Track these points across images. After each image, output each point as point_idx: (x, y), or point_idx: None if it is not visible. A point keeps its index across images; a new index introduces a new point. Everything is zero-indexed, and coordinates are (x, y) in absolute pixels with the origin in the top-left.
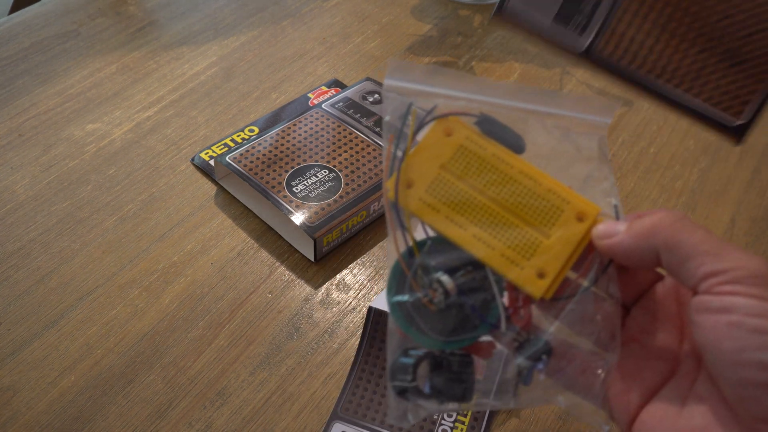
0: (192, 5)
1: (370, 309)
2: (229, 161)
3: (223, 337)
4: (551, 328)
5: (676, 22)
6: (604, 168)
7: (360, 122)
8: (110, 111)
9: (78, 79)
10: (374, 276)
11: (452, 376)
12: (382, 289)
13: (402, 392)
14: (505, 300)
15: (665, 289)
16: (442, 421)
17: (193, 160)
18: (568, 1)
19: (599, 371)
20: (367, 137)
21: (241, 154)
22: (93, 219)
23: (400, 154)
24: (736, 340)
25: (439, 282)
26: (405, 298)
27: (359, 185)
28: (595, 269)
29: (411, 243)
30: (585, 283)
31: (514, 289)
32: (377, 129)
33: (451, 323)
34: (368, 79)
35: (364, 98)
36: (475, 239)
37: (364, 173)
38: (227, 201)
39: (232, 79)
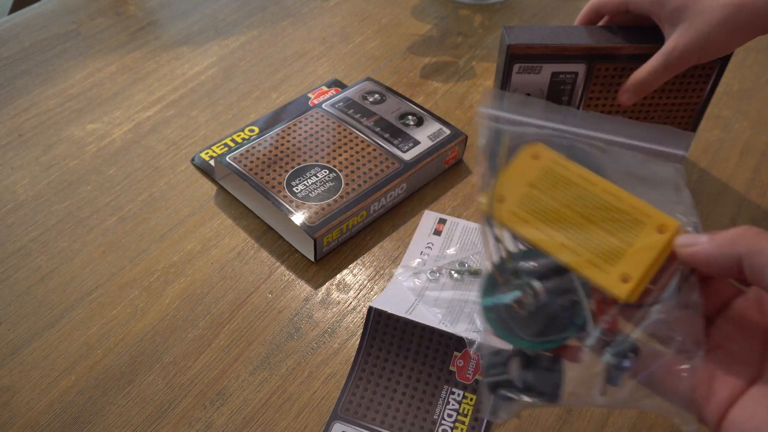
0: (192, 5)
1: (370, 309)
2: (229, 161)
3: (223, 337)
4: (636, 333)
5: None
6: (681, 194)
7: (360, 122)
8: (110, 111)
9: (78, 79)
10: (374, 276)
11: (543, 373)
12: (383, 289)
13: (495, 387)
14: (592, 305)
15: (747, 302)
16: (442, 421)
17: (193, 160)
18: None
19: (684, 373)
20: (367, 137)
21: (241, 154)
22: (93, 219)
23: (492, 172)
24: None
25: (530, 285)
26: (497, 301)
27: (359, 185)
28: (678, 279)
29: (503, 252)
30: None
31: (599, 293)
32: (377, 129)
33: (540, 325)
34: (368, 79)
35: (365, 98)
36: (562, 247)
37: (365, 173)
38: (227, 201)
39: (232, 79)
